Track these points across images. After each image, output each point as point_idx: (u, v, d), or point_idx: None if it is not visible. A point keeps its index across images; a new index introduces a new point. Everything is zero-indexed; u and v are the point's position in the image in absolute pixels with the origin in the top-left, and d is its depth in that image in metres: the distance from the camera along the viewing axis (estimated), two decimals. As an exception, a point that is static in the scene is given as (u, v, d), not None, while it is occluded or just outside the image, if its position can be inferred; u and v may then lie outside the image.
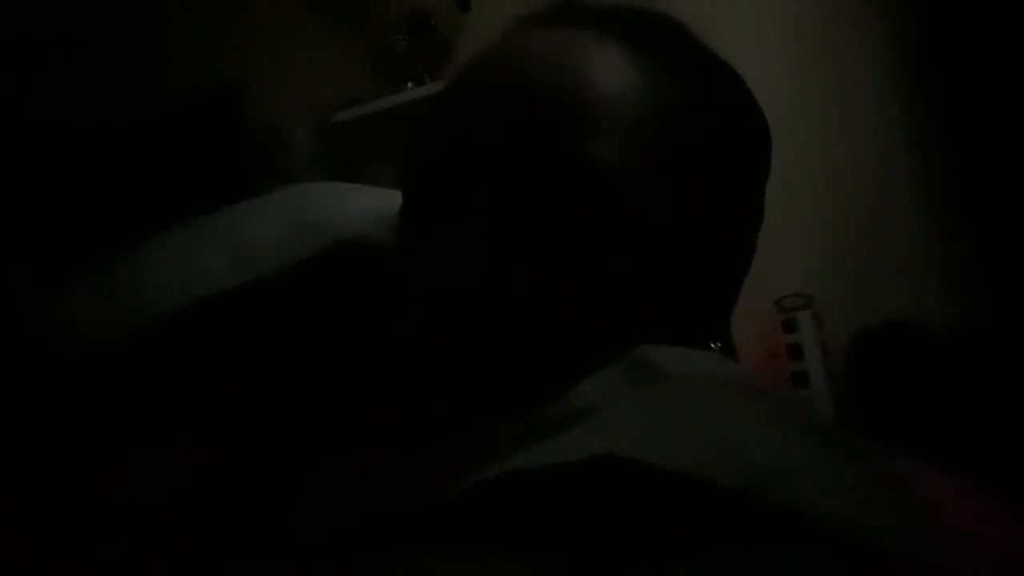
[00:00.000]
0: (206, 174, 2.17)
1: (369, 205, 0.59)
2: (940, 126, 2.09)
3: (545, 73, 0.50)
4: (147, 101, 2.27)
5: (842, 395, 2.05)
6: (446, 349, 0.48)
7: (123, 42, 2.34)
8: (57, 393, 0.54)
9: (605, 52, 0.52)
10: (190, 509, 0.50)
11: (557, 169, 0.49)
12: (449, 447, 0.46)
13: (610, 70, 0.51)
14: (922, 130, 2.12)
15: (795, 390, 2.00)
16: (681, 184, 0.51)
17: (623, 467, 0.38)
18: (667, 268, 0.51)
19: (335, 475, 0.49)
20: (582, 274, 0.48)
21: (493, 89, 0.51)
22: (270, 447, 0.52)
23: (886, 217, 2.14)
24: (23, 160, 2.18)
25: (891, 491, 0.41)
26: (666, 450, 0.39)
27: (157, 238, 0.61)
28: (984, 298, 2.02)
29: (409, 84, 2.35)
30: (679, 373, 0.45)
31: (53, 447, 0.53)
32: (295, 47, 2.43)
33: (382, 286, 0.53)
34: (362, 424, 0.51)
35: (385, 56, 2.39)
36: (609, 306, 0.49)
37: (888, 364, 2.04)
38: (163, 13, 2.37)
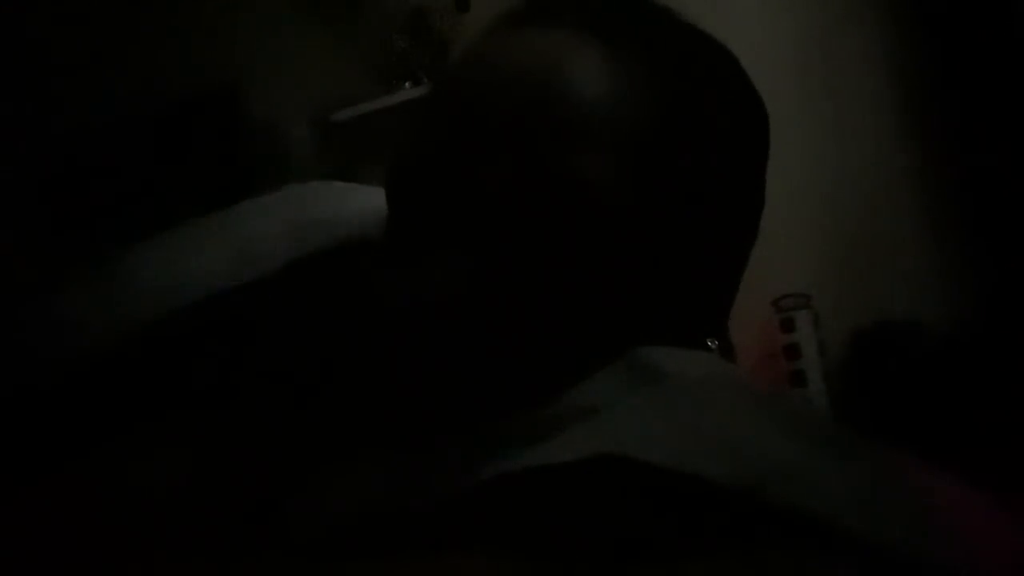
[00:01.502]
0: (204, 174, 2.17)
1: (368, 205, 0.59)
2: (938, 126, 2.09)
3: (524, 83, 0.49)
4: (144, 101, 2.27)
5: (839, 394, 2.06)
6: (440, 351, 0.48)
7: (119, 41, 2.34)
8: (57, 393, 0.54)
9: (584, 54, 0.50)
10: (189, 509, 0.49)
11: (539, 183, 0.47)
12: (449, 447, 0.46)
13: (590, 75, 0.49)
14: (920, 131, 2.12)
15: (792, 389, 2.00)
16: (674, 179, 0.50)
17: (622, 467, 0.39)
18: (662, 266, 0.50)
19: (335, 475, 0.49)
20: (573, 279, 0.48)
21: (472, 101, 0.50)
22: (270, 447, 0.52)
23: (883, 218, 2.15)
24: (20, 159, 2.17)
25: (888, 490, 0.41)
26: (665, 450, 0.39)
27: (157, 238, 0.61)
28: (980, 298, 2.02)
29: (407, 84, 2.35)
30: (677, 374, 0.45)
31: (52, 447, 0.53)
32: (293, 46, 2.43)
33: (379, 288, 0.53)
34: (362, 424, 0.51)
35: (383, 56, 2.38)
36: (604, 308, 0.49)
37: (885, 364, 2.04)
38: (160, 12, 2.37)
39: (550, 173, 0.47)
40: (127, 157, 2.25)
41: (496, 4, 0.55)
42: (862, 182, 2.15)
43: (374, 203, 0.57)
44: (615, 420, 0.42)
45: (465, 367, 0.48)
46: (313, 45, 2.43)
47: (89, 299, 0.58)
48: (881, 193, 2.15)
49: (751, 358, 2.00)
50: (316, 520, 0.46)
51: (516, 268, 0.48)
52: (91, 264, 0.60)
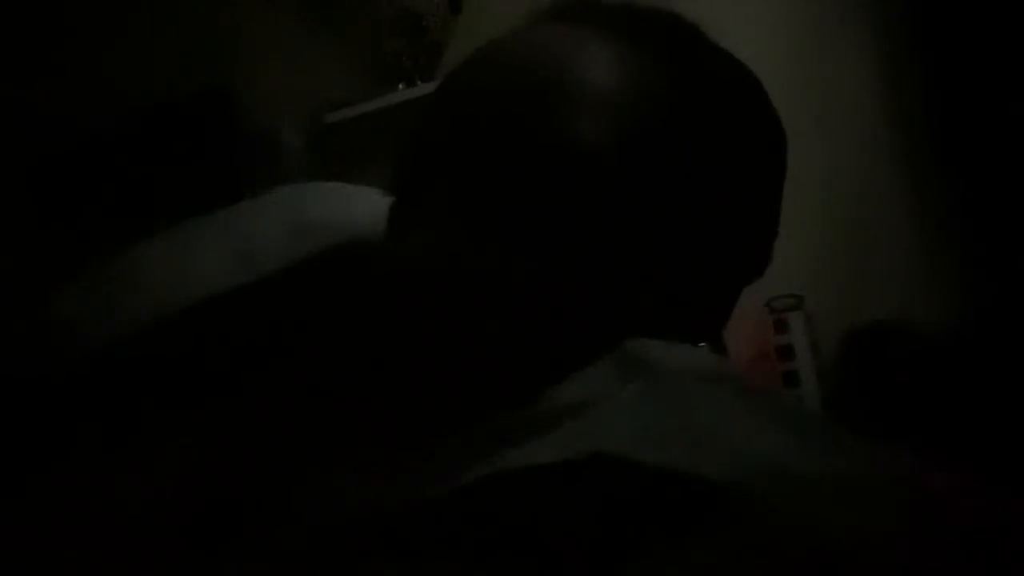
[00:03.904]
0: (197, 175, 2.16)
1: (367, 205, 0.59)
2: (931, 127, 2.10)
3: (534, 64, 0.51)
4: (138, 101, 2.26)
5: (833, 395, 2.06)
6: (428, 342, 0.48)
7: (114, 42, 2.33)
8: (55, 393, 0.54)
9: (597, 46, 0.52)
10: (186, 508, 0.50)
11: (538, 147, 0.49)
12: (441, 445, 0.46)
13: (599, 62, 0.52)
14: (913, 131, 2.13)
15: (785, 390, 2.00)
16: (674, 174, 0.51)
17: (613, 465, 0.39)
18: (657, 260, 0.51)
19: (329, 475, 0.49)
20: (567, 260, 0.48)
21: (482, 81, 0.52)
22: (267, 447, 0.52)
23: (876, 218, 2.15)
24: (17, 159, 2.17)
25: (879, 488, 0.41)
26: (656, 447, 0.40)
27: (155, 238, 0.61)
28: (974, 299, 2.03)
29: (401, 85, 2.35)
30: (669, 370, 0.45)
31: (51, 446, 0.53)
32: (286, 48, 2.42)
33: (376, 285, 0.53)
34: (355, 424, 0.51)
35: (376, 57, 2.38)
36: (598, 296, 0.49)
37: (878, 365, 2.04)
38: (154, 13, 2.36)
39: (551, 135, 0.49)
40: (123, 157, 2.25)
41: (492, 6, 0.56)
42: (855, 183, 2.15)
43: (372, 204, 0.58)
44: (606, 417, 0.42)
45: (457, 348, 0.48)
46: (306, 46, 2.43)
47: (88, 300, 0.58)
48: (873, 194, 2.15)
49: (744, 359, 2.00)
50: (311, 520, 0.46)
51: (510, 242, 0.48)
52: (90, 265, 0.60)
